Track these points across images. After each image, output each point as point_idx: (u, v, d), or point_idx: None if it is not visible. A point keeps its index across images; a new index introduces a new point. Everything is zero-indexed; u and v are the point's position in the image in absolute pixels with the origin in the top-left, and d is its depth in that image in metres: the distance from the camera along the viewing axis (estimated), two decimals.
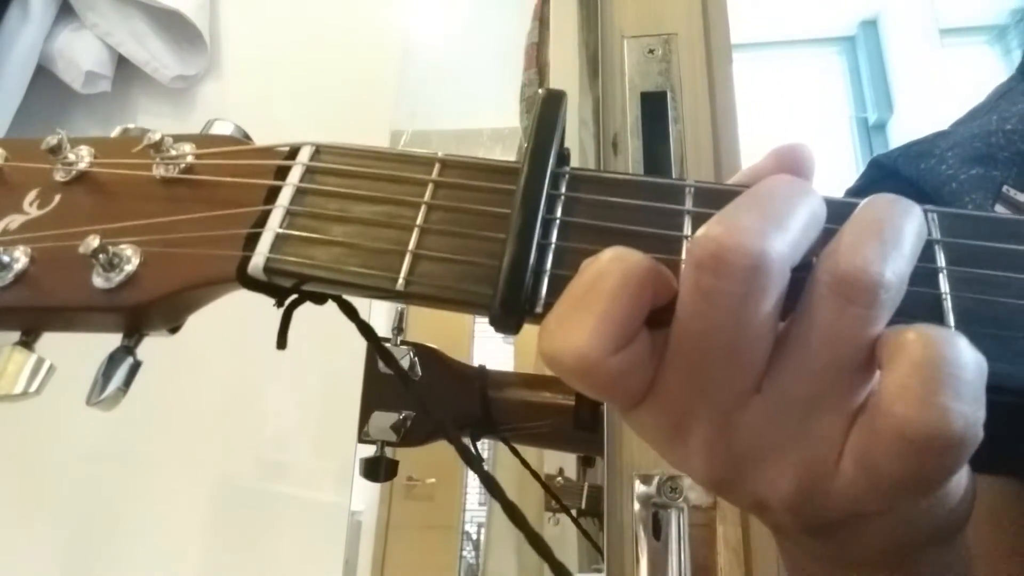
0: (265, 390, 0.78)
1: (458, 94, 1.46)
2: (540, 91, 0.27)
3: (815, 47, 2.78)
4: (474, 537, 1.33)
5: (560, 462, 1.04)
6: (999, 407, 0.21)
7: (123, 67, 0.91)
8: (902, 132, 2.48)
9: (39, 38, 0.86)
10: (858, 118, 2.63)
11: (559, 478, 1.02)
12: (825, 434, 0.22)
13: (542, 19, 0.96)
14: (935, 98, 2.29)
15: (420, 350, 0.83)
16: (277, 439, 0.80)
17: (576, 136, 0.77)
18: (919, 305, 0.23)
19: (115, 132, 0.32)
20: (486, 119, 1.49)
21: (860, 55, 2.68)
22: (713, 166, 0.63)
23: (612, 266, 0.22)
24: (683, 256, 0.24)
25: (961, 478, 0.23)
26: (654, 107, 0.66)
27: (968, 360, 0.20)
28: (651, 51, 0.68)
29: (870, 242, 0.21)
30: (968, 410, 0.19)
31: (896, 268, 0.21)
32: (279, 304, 0.28)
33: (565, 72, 0.85)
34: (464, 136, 1.49)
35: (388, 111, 0.92)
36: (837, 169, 2.49)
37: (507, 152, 1.36)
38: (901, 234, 0.22)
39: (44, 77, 0.87)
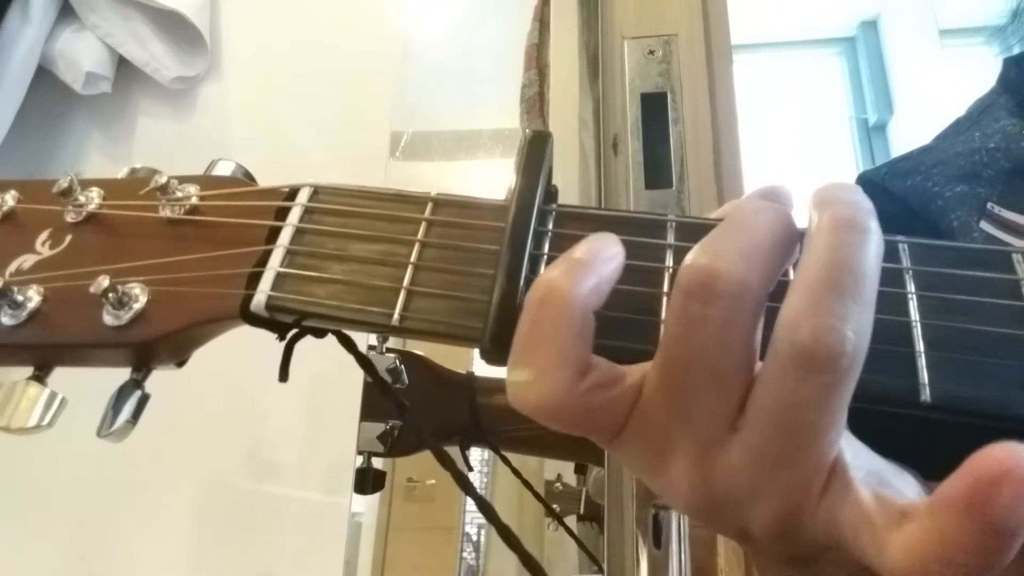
0: (264, 389, 0.78)
1: (458, 95, 1.46)
2: (527, 131, 0.28)
3: (815, 48, 2.78)
4: (474, 538, 1.33)
5: (559, 468, 1.04)
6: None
7: (123, 68, 0.91)
8: (902, 133, 2.48)
9: (40, 39, 0.86)
10: (858, 119, 2.63)
11: (557, 484, 1.02)
12: (798, 485, 0.22)
13: (542, 20, 0.96)
14: (935, 99, 2.29)
15: (407, 357, 0.81)
16: (276, 440, 0.80)
17: (576, 137, 0.76)
18: (889, 333, 0.23)
19: (122, 173, 0.33)
20: (486, 120, 1.49)
21: (860, 56, 2.68)
22: (713, 167, 0.63)
23: (544, 311, 0.22)
24: (665, 288, 0.25)
25: None
26: (654, 108, 0.66)
27: None
28: (651, 52, 0.68)
29: (826, 301, 0.20)
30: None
31: (859, 324, 0.20)
32: (281, 338, 0.29)
33: (565, 73, 0.85)
34: (464, 137, 1.49)
35: (388, 112, 0.92)
36: (837, 171, 2.49)
37: (507, 153, 1.36)
38: (860, 277, 0.21)
39: (45, 78, 0.87)
